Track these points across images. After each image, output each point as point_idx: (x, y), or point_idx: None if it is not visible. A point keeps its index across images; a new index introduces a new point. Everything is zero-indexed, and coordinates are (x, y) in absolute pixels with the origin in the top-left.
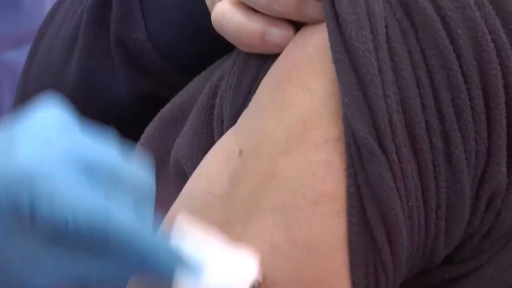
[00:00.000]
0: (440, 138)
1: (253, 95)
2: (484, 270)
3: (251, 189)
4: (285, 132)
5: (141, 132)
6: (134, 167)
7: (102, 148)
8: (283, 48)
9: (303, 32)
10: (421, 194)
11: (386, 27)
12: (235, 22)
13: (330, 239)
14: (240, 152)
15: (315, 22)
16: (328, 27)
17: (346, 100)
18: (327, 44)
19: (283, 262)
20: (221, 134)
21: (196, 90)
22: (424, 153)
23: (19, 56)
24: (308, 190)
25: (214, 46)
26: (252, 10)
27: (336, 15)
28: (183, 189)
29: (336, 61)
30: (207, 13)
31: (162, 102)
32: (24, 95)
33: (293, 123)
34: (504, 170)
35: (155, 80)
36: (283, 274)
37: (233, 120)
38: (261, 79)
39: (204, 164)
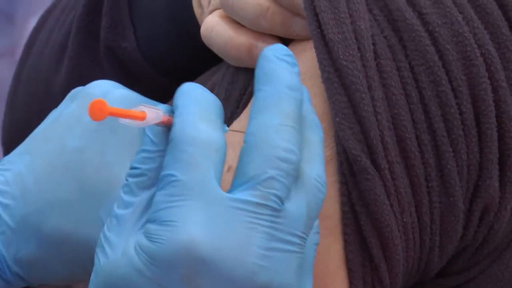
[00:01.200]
0: (432, 153)
1: (241, 108)
2: (477, 282)
3: None
4: None
5: None
6: None
7: None
8: None
9: (292, 49)
10: (414, 209)
11: (373, 44)
12: (224, 35)
13: (326, 259)
14: (229, 168)
15: (302, 38)
16: (315, 47)
17: (337, 118)
18: (316, 63)
19: None
20: None
21: None
22: (417, 168)
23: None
24: None
25: (203, 54)
26: (240, 24)
27: (322, 34)
28: None
29: (326, 80)
30: (195, 22)
31: None
32: (14, 102)
33: None
34: (497, 184)
35: (144, 88)
36: None
37: None
38: (250, 92)
39: None
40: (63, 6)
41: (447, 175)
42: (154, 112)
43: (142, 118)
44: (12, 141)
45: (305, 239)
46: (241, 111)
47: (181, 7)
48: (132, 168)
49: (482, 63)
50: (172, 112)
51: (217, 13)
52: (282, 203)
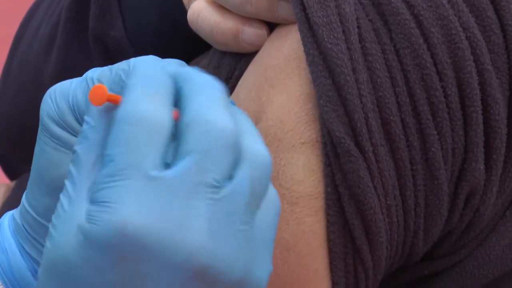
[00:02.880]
0: (417, 136)
1: (228, 92)
2: (463, 266)
3: None
4: (263, 132)
5: None
6: None
7: None
8: (256, 46)
9: (278, 33)
10: (399, 192)
11: (358, 27)
12: (210, 20)
13: (309, 239)
14: None
15: (288, 23)
16: (300, 30)
17: (322, 101)
18: (301, 46)
19: None
20: None
21: None
22: (401, 151)
23: None
24: (287, 191)
25: (191, 43)
26: (227, 9)
27: (307, 18)
28: None
29: (310, 63)
30: (184, 10)
31: None
32: (5, 92)
33: (271, 123)
34: (482, 167)
35: None
36: None
37: None
38: (236, 77)
39: None
40: None
41: (431, 158)
42: None
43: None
44: (2, 132)
45: (253, 214)
46: (228, 95)
47: None
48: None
49: (467, 46)
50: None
51: None
52: (223, 179)
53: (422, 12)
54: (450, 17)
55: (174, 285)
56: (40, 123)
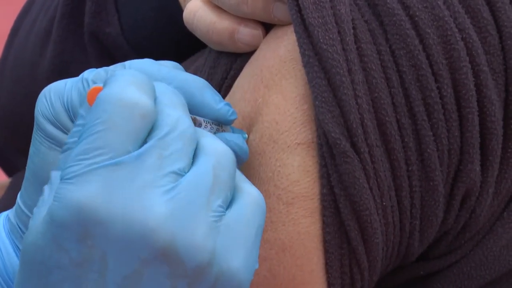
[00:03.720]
0: (412, 137)
1: (224, 92)
2: (460, 266)
3: None
4: (258, 133)
5: None
6: None
7: None
8: (252, 47)
9: (273, 34)
10: (394, 193)
11: (354, 28)
12: (206, 20)
13: (305, 240)
14: None
15: (283, 23)
16: (295, 31)
17: (317, 102)
18: (297, 47)
19: (259, 263)
20: None
21: None
22: (397, 152)
23: None
24: (283, 192)
25: (186, 41)
26: (222, 9)
27: (302, 19)
28: None
29: (306, 64)
30: (179, 8)
31: None
32: (1, 84)
33: (266, 124)
34: (478, 168)
35: None
36: (258, 275)
37: None
38: (232, 77)
39: None
40: None
41: (427, 159)
42: None
43: None
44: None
45: (223, 207)
46: (224, 95)
47: None
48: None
49: (463, 47)
50: None
51: None
52: (183, 167)
53: (417, 13)
54: (446, 18)
55: (135, 263)
56: (35, 123)
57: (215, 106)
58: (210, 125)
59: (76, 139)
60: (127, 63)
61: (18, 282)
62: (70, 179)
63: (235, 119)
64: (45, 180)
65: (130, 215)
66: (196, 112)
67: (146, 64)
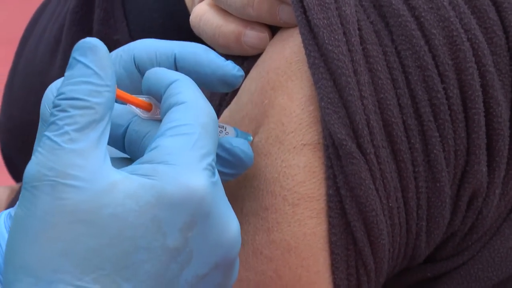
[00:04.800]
0: (418, 138)
1: (231, 96)
2: (467, 268)
3: (231, 192)
4: (264, 134)
5: None
6: None
7: None
8: (258, 49)
9: (279, 36)
10: (401, 194)
11: (359, 29)
12: (212, 24)
13: (311, 241)
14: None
15: (289, 26)
16: (301, 32)
17: (323, 103)
18: (303, 48)
19: (265, 264)
20: None
21: None
22: (403, 153)
23: None
24: (288, 192)
25: None
26: (229, 13)
27: (308, 20)
28: None
29: (312, 65)
30: (186, 13)
31: None
32: (11, 94)
33: (272, 125)
34: (484, 169)
35: None
36: (264, 275)
37: None
38: None
39: None
40: (57, 0)
41: (433, 160)
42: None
43: (146, 108)
44: (10, 132)
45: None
46: (231, 99)
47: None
48: (72, 98)
49: (468, 48)
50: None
51: (205, 1)
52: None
53: (423, 14)
54: (452, 19)
55: (211, 267)
56: (40, 118)
57: (222, 62)
58: None
59: (98, 99)
60: (131, 45)
61: (72, 244)
62: (182, 165)
63: (242, 76)
64: None
65: (227, 216)
66: (203, 69)
67: (149, 41)
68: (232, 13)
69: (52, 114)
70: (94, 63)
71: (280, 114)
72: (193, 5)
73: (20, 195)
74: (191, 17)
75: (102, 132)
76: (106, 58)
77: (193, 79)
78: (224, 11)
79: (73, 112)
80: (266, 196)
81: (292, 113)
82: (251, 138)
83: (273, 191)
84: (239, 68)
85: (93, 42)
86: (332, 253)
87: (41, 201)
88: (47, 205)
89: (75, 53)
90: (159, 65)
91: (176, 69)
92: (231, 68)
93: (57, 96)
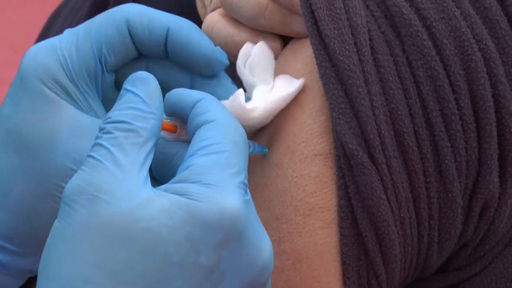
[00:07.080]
0: (430, 148)
1: None
2: (480, 279)
3: None
4: (275, 144)
5: None
6: None
7: None
8: None
9: (291, 46)
10: (412, 205)
11: (370, 39)
12: (224, 33)
13: (322, 251)
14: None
15: (301, 36)
16: (312, 43)
17: (334, 113)
18: (314, 59)
19: (275, 275)
20: None
21: None
22: (414, 163)
23: None
24: (299, 203)
25: None
26: (241, 22)
27: (319, 31)
28: None
29: (323, 75)
30: (200, 22)
31: None
32: None
33: (284, 135)
34: (496, 179)
35: None
36: (275, 286)
37: None
38: None
39: None
40: (71, 6)
41: (445, 170)
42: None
43: (172, 130)
44: None
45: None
46: None
47: (187, 8)
48: (117, 121)
49: (480, 58)
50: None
51: (218, 11)
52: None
53: (434, 24)
54: (463, 29)
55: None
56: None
57: (212, 45)
58: None
59: (143, 124)
60: (127, 6)
61: (104, 256)
62: (212, 185)
63: (227, 65)
64: None
65: (259, 239)
66: (193, 48)
67: (145, 9)
68: (244, 23)
69: (97, 137)
70: (143, 93)
71: (292, 124)
72: (206, 13)
73: (60, 209)
74: (203, 26)
75: (145, 158)
76: (156, 90)
77: (181, 56)
78: (236, 21)
79: (117, 133)
80: (277, 206)
81: (303, 123)
82: (267, 151)
83: (284, 201)
84: (226, 56)
85: (144, 74)
86: (344, 263)
87: (79, 214)
88: (84, 217)
89: (126, 84)
90: (150, 34)
91: (166, 43)
92: (219, 54)
93: (104, 120)
